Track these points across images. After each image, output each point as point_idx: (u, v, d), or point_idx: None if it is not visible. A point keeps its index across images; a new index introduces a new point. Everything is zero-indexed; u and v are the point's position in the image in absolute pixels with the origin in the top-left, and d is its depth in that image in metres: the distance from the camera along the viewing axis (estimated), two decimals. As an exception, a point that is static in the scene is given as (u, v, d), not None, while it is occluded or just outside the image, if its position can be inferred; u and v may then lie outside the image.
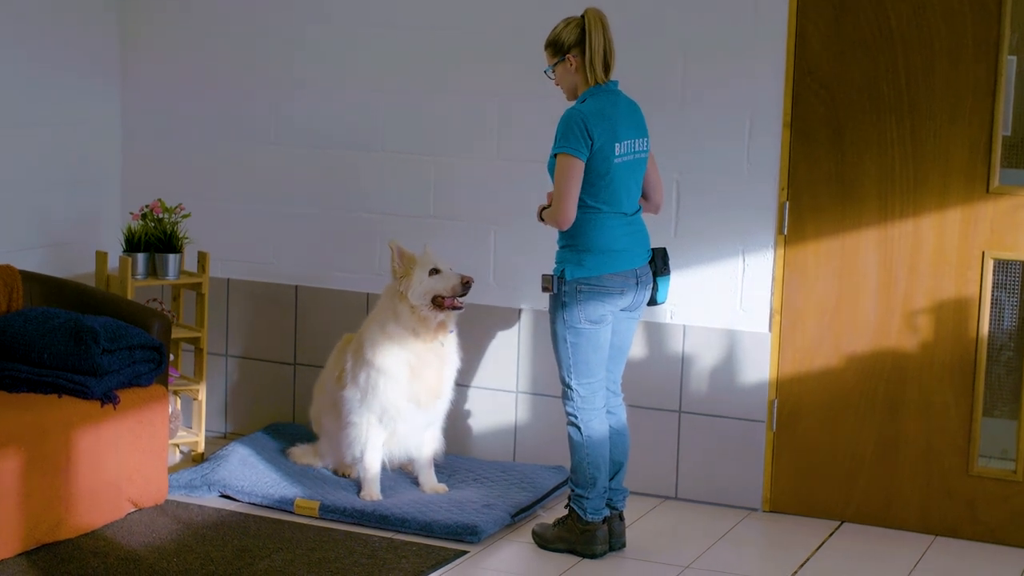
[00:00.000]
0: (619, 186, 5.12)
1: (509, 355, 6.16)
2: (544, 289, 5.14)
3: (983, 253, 5.55)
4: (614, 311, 5.18)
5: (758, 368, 5.85)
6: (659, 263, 5.23)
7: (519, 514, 5.66)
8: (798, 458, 5.85)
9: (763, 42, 5.72)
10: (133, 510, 5.58)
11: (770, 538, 5.67)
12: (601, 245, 5.11)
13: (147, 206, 6.24)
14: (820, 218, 5.73)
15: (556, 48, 5.16)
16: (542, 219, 5.24)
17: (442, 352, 5.72)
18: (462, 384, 6.10)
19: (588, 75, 5.12)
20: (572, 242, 5.12)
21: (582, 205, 5.09)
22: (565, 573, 5.20)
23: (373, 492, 5.72)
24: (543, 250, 5.97)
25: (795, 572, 5.29)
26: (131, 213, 6.34)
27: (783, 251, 5.78)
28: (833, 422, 5.79)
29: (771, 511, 5.90)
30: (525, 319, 6.16)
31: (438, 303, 5.61)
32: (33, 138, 6.36)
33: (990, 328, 5.58)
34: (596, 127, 5.05)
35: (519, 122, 6.09)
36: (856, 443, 5.77)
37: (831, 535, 5.68)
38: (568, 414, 5.23)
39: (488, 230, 6.20)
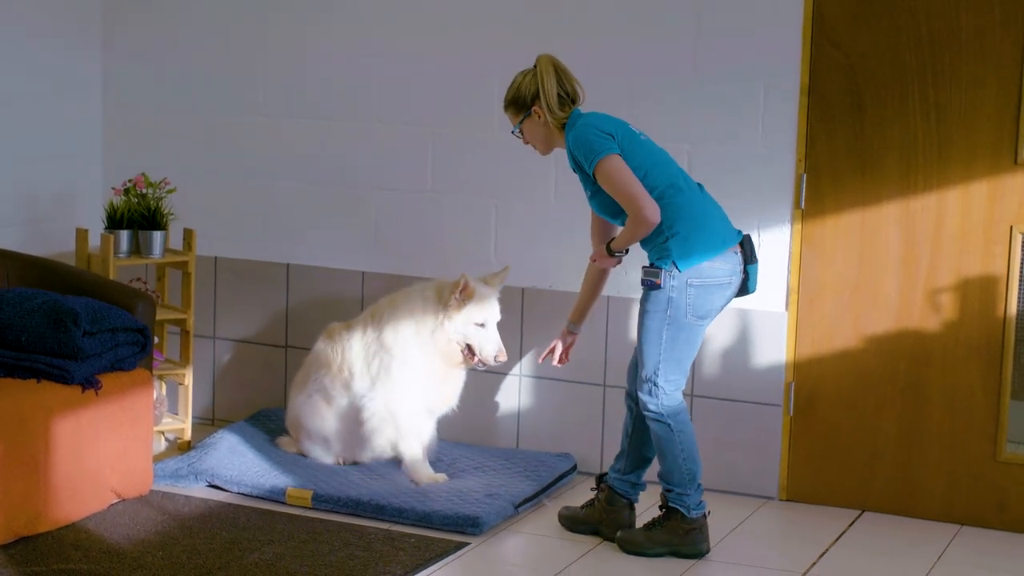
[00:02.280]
0: (664, 156, 5.11)
1: (512, 337, 6.12)
2: (649, 284, 5.05)
3: (1011, 228, 5.52)
4: (719, 305, 5.13)
5: (774, 349, 5.81)
6: (748, 250, 5.16)
7: (523, 504, 5.64)
8: (816, 444, 5.82)
9: (779, 6, 5.67)
10: (116, 501, 5.56)
11: (787, 528, 5.65)
12: (699, 220, 5.04)
13: (130, 180, 6.20)
14: (839, 191, 5.70)
15: (519, 105, 5.18)
16: (615, 253, 5.14)
17: (461, 368, 5.84)
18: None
19: (552, 120, 5.11)
20: (672, 230, 5.03)
21: (654, 192, 5.01)
22: (571, 565, 5.16)
23: (429, 472, 5.75)
24: (548, 227, 5.99)
25: (813, 564, 5.25)
26: (113, 188, 6.30)
27: (800, 226, 5.75)
28: (853, 406, 5.76)
29: (788, 500, 5.88)
30: (528, 299, 6.10)
31: (467, 349, 5.72)
32: (9, 109, 6.31)
33: (1018, 306, 5.55)
34: (606, 124, 5.06)
35: (522, 91, 6.01)
36: (877, 428, 5.74)
37: (851, 525, 5.65)
38: (652, 412, 5.15)
39: (489, 205, 6.16)
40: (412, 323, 5.76)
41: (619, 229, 5.19)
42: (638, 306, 5.86)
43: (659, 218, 4.97)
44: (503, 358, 5.70)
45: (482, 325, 5.69)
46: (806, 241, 5.74)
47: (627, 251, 5.16)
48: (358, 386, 5.82)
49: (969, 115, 5.50)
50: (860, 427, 5.75)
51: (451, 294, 5.68)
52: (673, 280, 5.03)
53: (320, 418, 5.91)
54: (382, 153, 6.31)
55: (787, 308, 5.78)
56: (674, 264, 5.02)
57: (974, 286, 5.57)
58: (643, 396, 5.14)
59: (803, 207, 5.72)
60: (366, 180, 6.35)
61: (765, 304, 5.77)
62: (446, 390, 5.83)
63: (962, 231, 5.56)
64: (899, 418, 5.70)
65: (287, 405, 6.11)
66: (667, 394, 5.11)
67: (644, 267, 5.07)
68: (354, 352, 5.82)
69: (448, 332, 5.69)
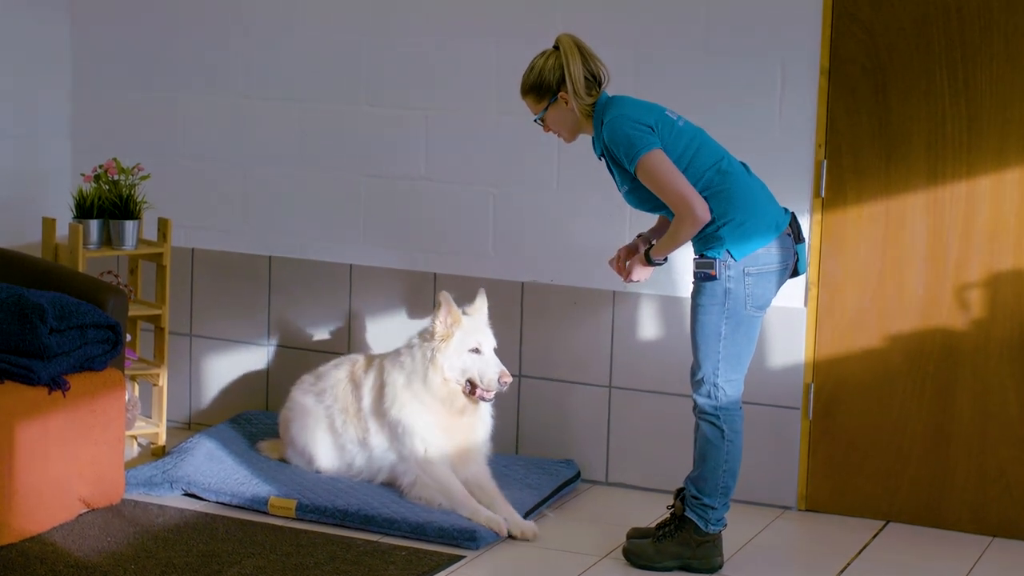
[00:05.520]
0: (705, 139, 5.05)
1: (511, 334, 6.10)
2: (704, 276, 4.98)
3: (1046, 219, 5.55)
4: (776, 293, 5.08)
5: (792, 348, 5.80)
6: (796, 229, 5.11)
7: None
8: (837, 450, 5.81)
9: (797, -20, 5.69)
10: (85, 511, 5.54)
11: (807, 540, 5.64)
12: (751, 205, 4.97)
13: (101, 166, 6.18)
14: (862, 179, 5.68)
15: (542, 90, 5.06)
16: (650, 261, 5.06)
17: (474, 416, 5.69)
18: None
19: (579, 105, 5.02)
20: (724, 218, 4.96)
21: (699, 183, 4.94)
22: (576, 581, 5.15)
23: (523, 524, 5.47)
24: (549, 217, 6.00)
25: (835, 579, 5.27)
26: (82, 174, 6.27)
27: (820, 216, 5.74)
28: (877, 409, 5.75)
29: (807, 510, 5.88)
30: (528, 294, 6.05)
31: (468, 385, 5.62)
32: (-30, 89, 6.34)
33: (1054, 303, 5.57)
34: (644, 115, 4.97)
35: (522, 70, 5.93)
36: (903, 433, 5.72)
37: (875, 537, 5.64)
38: (706, 413, 5.09)
39: (487, 193, 6.14)
40: (402, 375, 5.65)
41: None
42: (646, 302, 5.81)
43: (709, 215, 4.90)
44: (508, 379, 5.58)
45: (477, 351, 5.58)
46: (826, 232, 5.72)
47: (666, 260, 5.09)
48: (375, 443, 5.74)
49: (1002, 98, 5.48)
50: (884, 431, 5.73)
51: (435, 323, 5.58)
52: (729, 270, 4.96)
53: (311, 434, 5.86)
54: (372, 137, 6.28)
55: (806, 304, 5.77)
56: (728, 253, 4.95)
57: (1006, 281, 5.55)
58: (700, 398, 5.08)
59: (823, 196, 5.71)
60: (355, 166, 6.32)
61: (783, 299, 5.72)
62: (461, 442, 5.62)
63: (993, 223, 5.55)
64: (926, 422, 5.68)
65: (287, 400, 6.01)
66: (727, 395, 5.07)
67: (695, 259, 5.00)
68: (366, 408, 5.76)
69: (442, 368, 5.57)
